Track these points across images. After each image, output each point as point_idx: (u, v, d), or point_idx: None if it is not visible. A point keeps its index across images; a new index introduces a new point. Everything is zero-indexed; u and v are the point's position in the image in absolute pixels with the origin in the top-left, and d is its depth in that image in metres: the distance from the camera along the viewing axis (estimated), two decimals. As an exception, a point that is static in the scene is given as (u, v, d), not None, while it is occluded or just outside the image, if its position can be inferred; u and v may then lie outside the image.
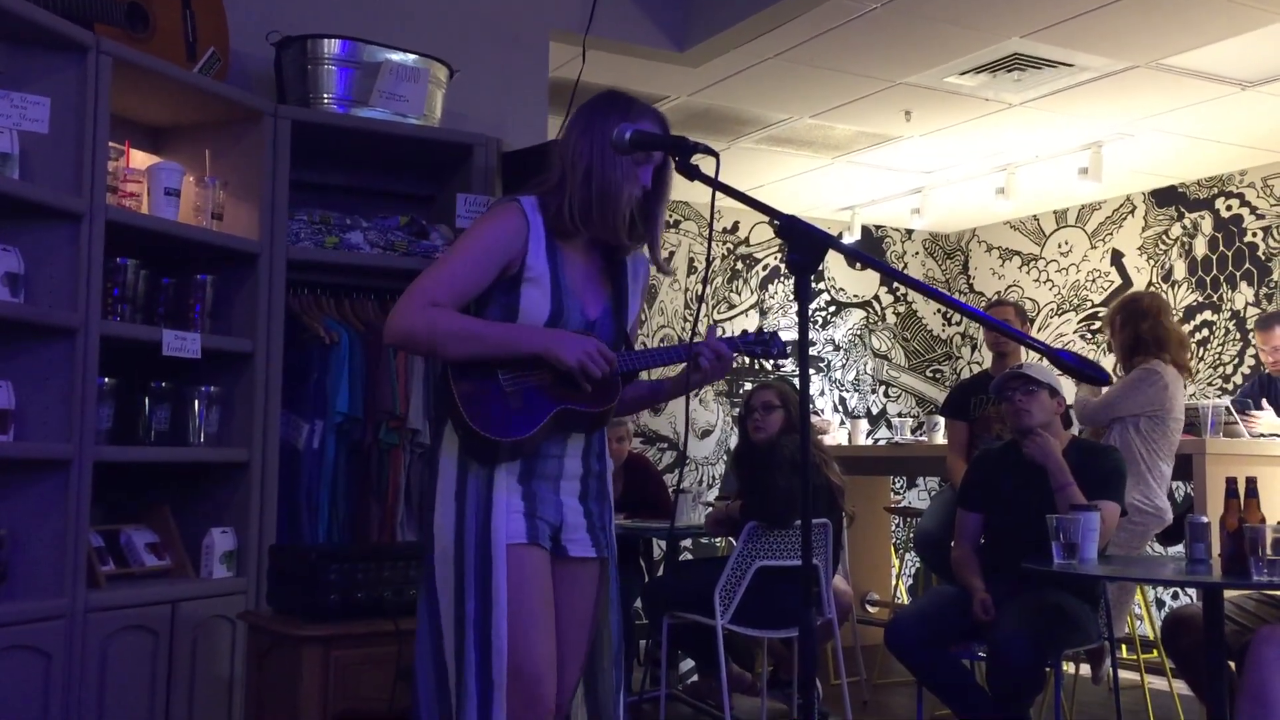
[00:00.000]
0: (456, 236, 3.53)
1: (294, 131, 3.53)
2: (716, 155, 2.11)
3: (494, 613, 2.10)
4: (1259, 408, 4.83)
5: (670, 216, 7.50)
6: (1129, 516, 3.90)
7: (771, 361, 2.40)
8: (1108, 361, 5.00)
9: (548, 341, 2.15)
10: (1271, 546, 2.83)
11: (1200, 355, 6.82)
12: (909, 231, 8.37)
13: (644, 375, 2.38)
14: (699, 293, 7.52)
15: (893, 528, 6.92)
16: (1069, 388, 3.96)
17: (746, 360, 2.48)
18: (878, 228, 8.25)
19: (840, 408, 7.99)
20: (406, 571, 2.92)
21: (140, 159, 3.50)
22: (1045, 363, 3.63)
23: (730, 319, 7.67)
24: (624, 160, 2.19)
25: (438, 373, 2.25)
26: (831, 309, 8.06)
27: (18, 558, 2.90)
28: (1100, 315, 7.00)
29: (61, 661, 2.86)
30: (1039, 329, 7.70)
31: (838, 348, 8.05)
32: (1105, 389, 4.29)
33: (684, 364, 2.29)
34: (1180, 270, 6.96)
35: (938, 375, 8.41)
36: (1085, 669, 4.34)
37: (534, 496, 2.18)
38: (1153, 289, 7.04)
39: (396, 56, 3.71)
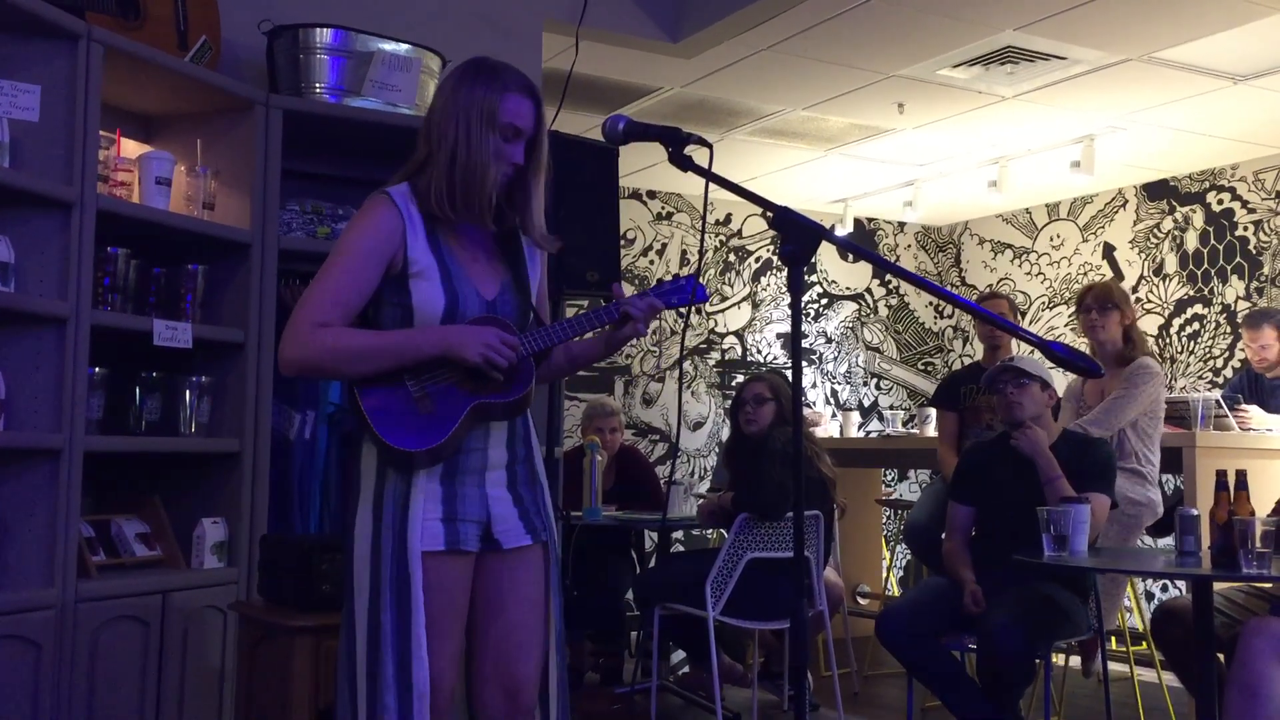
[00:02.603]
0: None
1: (286, 121, 3.51)
2: (710, 146, 2.09)
3: (413, 621, 2.06)
4: (1246, 403, 4.84)
5: (662, 208, 7.50)
6: (1120, 509, 3.91)
7: (691, 307, 2.30)
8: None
9: (447, 342, 2.09)
10: (1261, 539, 2.85)
11: (1191, 349, 6.84)
12: (901, 224, 8.37)
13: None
14: (691, 284, 7.51)
15: (884, 520, 6.93)
16: (1059, 381, 3.97)
17: (671, 314, 2.38)
18: (870, 220, 8.26)
19: (832, 400, 8.00)
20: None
21: (131, 148, 3.49)
22: (1037, 355, 3.63)
23: (723, 311, 7.67)
24: (492, 138, 2.12)
25: (345, 387, 2.19)
26: (824, 301, 8.07)
27: (8, 547, 2.89)
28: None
29: (52, 652, 2.86)
30: (1030, 322, 7.72)
31: (830, 340, 8.06)
32: (1109, 398, 4.26)
33: (594, 330, 2.23)
34: (1171, 264, 6.98)
35: (929, 368, 8.42)
36: (1075, 661, 4.36)
37: (455, 497, 2.13)
38: (1144, 282, 7.06)
39: (389, 46, 3.69)
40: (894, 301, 8.35)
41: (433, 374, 2.12)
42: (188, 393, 3.38)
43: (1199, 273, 6.84)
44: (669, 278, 2.29)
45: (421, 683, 2.06)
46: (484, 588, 2.19)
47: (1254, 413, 4.67)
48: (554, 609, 2.26)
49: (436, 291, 2.13)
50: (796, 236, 1.85)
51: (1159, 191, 7.08)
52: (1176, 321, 6.91)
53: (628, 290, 2.34)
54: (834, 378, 8.06)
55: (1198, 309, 6.83)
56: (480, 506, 2.16)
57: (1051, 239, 7.73)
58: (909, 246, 8.45)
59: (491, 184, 2.14)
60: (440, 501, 2.12)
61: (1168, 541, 4.39)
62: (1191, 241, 6.89)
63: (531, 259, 2.29)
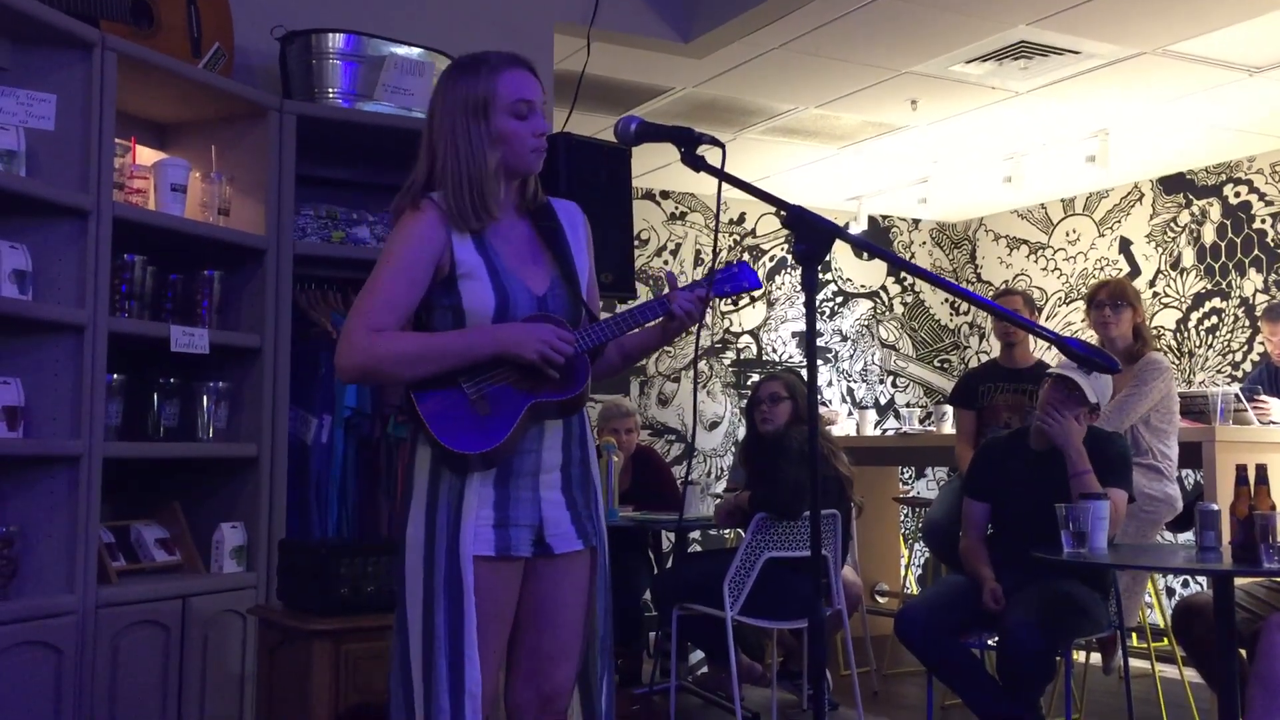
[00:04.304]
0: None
1: (300, 126, 3.53)
2: (723, 146, 2.08)
3: (465, 624, 2.06)
4: (1265, 396, 4.81)
5: (676, 208, 7.50)
6: (1139, 505, 3.89)
7: (747, 294, 2.31)
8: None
9: (503, 341, 2.08)
10: (1282, 534, 2.83)
11: (1209, 343, 6.80)
12: (916, 221, 8.35)
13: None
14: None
15: (901, 518, 6.92)
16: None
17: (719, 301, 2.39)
18: (884, 217, 8.24)
19: (848, 398, 7.98)
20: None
21: (146, 155, 3.50)
22: (1095, 377, 3.56)
23: (738, 310, 7.67)
24: (486, 128, 2.10)
25: (400, 392, 2.19)
26: (839, 299, 8.05)
27: (29, 554, 2.91)
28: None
29: (73, 657, 2.88)
30: (1047, 318, 7.68)
31: (845, 338, 8.04)
32: (1119, 396, 4.25)
33: (648, 323, 2.22)
34: (1189, 257, 6.94)
35: (945, 365, 8.40)
36: (1096, 658, 4.34)
37: (508, 501, 2.12)
38: (1161, 276, 7.03)
39: (401, 50, 3.70)
40: (909, 299, 8.33)
41: (488, 374, 2.11)
42: (205, 398, 3.39)
43: (1217, 266, 6.80)
44: (721, 265, 2.27)
45: (473, 683, 2.07)
46: (532, 592, 2.19)
47: (1274, 405, 4.64)
48: (601, 610, 2.25)
49: (486, 291, 2.12)
50: (810, 235, 1.85)
51: (1175, 185, 7.04)
52: (1195, 315, 6.87)
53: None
54: (850, 376, 8.04)
55: (1216, 302, 6.79)
56: (533, 510, 2.15)
57: (1067, 234, 7.70)
58: (924, 243, 8.42)
59: (496, 172, 2.13)
60: (493, 506, 2.11)
61: (1188, 537, 4.37)
62: (1209, 235, 6.85)
63: (578, 250, 2.26)
